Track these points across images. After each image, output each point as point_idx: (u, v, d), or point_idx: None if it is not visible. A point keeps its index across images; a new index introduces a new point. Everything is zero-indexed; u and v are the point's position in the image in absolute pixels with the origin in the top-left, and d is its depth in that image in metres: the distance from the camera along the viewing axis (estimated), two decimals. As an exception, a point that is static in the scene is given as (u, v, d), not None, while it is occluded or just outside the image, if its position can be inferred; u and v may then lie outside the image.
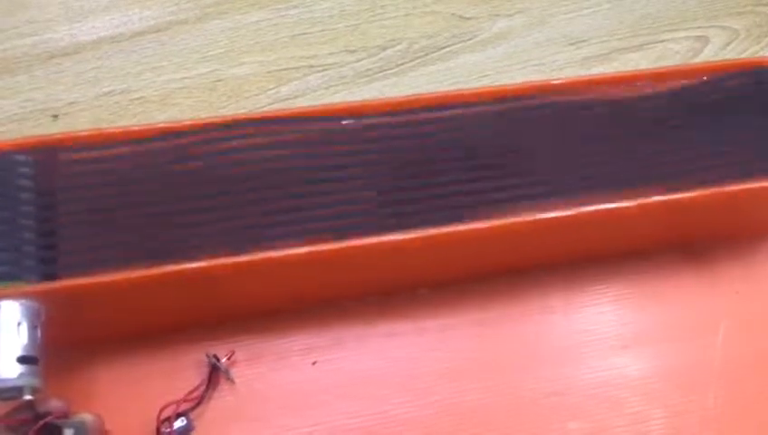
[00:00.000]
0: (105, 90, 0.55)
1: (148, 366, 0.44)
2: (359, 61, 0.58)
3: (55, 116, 0.53)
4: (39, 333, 0.36)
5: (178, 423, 0.42)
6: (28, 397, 0.35)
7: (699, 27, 0.62)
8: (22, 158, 0.39)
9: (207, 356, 0.44)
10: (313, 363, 0.45)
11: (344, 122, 0.44)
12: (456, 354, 0.47)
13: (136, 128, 0.41)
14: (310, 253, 0.40)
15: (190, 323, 0.45)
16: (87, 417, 0.37)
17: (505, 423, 0.45)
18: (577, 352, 0.48)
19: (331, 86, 0.57)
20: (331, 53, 0.58)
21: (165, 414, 0.42)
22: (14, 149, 0.39)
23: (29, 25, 0.56)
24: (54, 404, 0.37)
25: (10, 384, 0.35)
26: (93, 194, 0.39)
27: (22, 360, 0.35)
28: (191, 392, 0.43)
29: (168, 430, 0.41)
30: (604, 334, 0.48)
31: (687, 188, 0.44)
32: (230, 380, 0.44)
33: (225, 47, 0.57)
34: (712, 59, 0.60)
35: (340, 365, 0.46)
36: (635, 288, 0.50)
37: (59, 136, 0.40)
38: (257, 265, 0.39)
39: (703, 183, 0.44)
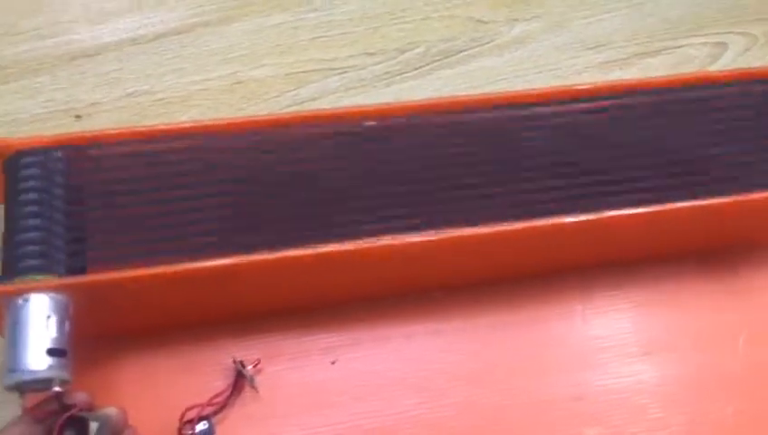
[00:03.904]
0: (127, 91, 0.55)
1: (172, 363, 0.44)
2: (377, 63, 0.58)
3: (78, 116, 0.54)
4: (68, 326, 0.36)
5: (200, 426, 0.42)
6: (56, 389, 0.36)
7: (718, 33, 0.62)
8: (53, 154, 0.39)
9: (234, 362, 0.44)
10: (333, 363, 0.46)
11: (366, 124, 0.44)
12: (474, 357, 0.47)
13: (163, 127, 0.41)
14: (330, 253, 0.40)
15: (214, 321, 0.45)
16: (112, 410, 0.38)
17: (522, 427, 0.45)
18: (596, 357, 0.48)
19: (350, 88, 0.57)
20: (350, 56, 0.58)
21: (188, 416, 0.42)
22: (45, 145, 0.39)
23: (51, 27, 0.57)
24: (80, 397, 0.37)
25: (39, 376, 0.35)
26: (122, 189, 0.40)
27: (51, 352, 0.35)
28: (214, 397, 0.43)
29: (190, 432, 0.42)
30: (624, 341, 0.48)
31: (709, 196, 0.44)
32: (254, 388, 0.44)
33: (246, 49, 0.58)
34: (730, 65, 0.60)
35: (359, 365, 0.46)
36: (656, 295, 0.50)
37: (89, 133, 0.41)
38: (280, 264, 0.40)
39: (724, 191, 0.44)
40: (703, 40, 0.62)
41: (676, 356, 0.48)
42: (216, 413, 0.43)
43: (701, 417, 0.46)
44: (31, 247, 0.37)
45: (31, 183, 0.39)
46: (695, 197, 0.44)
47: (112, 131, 0.41)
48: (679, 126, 0.47)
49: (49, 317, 0.36)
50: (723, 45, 0.62)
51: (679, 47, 0.61)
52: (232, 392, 0.43)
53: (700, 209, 0.44)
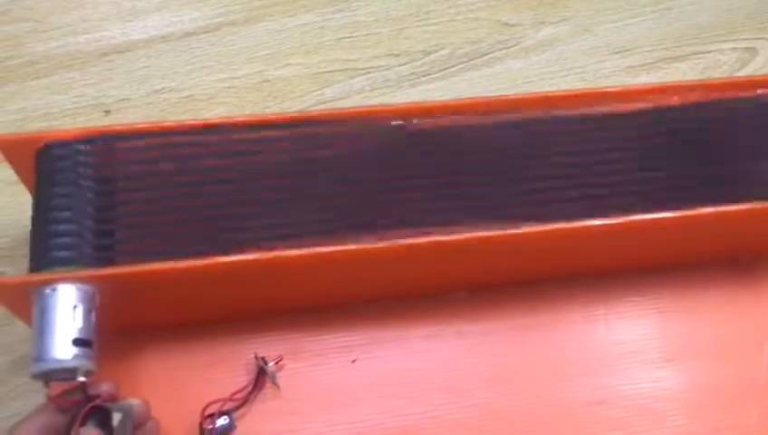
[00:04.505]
0: (155, 87, 0.56)
1: (195, 358, 0.44)
2: (402, 65, 0.58)
3: (107, 111, 0.55)
4: (94, 317, 0.37)
5: (221, 421, 0.42)
6: (81, 379, 0.36)
7: (747, 38, 0.62)
8: (83, 147, 0.40)
9: (256, 358, 0.44)
10: (353, 361, 0.46)
11: (392, 124, 0.44)
12: (495, 359, 0.47)
13: (191, 122, 0.42)
14: (354, 251, 0.40)
15: (237, 317, 0.45)
16: (135, 402, 0.38)
17: (542, 431, 0.45)
18: (618, 362, 0.47)
19: (375, 89, 0.57)
20: (375, 57, 0.59)
21: (209, 411, 0.42)
22: (75, 138, 0.40)
23: (83, 23, 0.58)
24: (104, 388, 0.37)
25: (64, 365, 0.36)
26: (150, 183, 0.40)
27: (76, 342, 0.36)
28: (236, 393, 0.43)
29: (211, 426, 0.42)
30: (647, 346, 0.48)
31: (734, 201, 0.44)
32: (275, 385, 0.44)
33: (272, 49, 0.58)
34: (760, 70, 0.60)
35: (380, 364, 0.46)
36: (680, 301, 0.49)
37: (118, 127, 0.41)
38: (306, 261, 0.40)
39: (750, 196, 0.44)
40: (732, 45, 0.61)
41: (699, 363, 0.48)
42: (236, 408, 0.43)
43: (723, 425, 0.46)
44: (60, 239, 0.37)
45: (60, 176, 0.39)
46: (720, 203, 0.43)
47: (141, 126, 0.42)
48: (703, 130, 0.46)
49: (75, 307, 0.36)
50: (752, 51, 0.61)
51: (708, 52, 0.61)
52: (253, 388, 0.44)
53: (725, 215, 0.44)
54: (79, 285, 0.36)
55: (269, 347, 0.45)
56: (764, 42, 0.62)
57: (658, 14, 0.62)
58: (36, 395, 0.39)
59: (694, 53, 0.61)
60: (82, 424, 0.36)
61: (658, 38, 0.61)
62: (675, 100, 0.47)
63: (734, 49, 0.61)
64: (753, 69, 0.60)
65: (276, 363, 0.44)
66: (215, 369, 0.44)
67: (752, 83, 0.48)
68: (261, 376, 0.44)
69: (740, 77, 0.58)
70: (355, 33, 0.59)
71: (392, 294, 0.47)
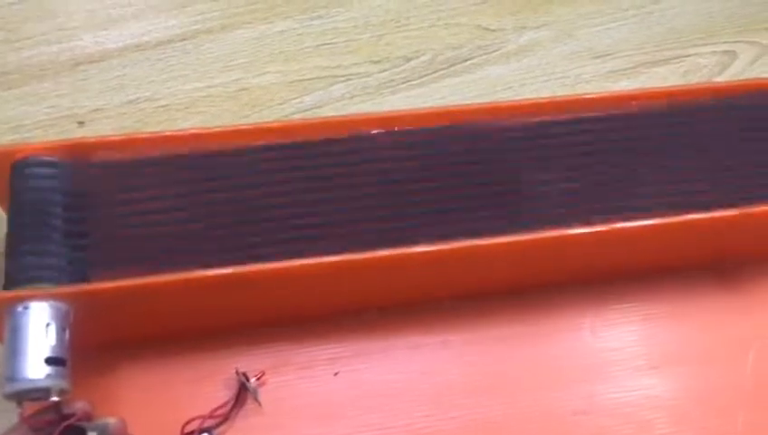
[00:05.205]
0: (130, 97, 0.55)
1: (175, 374, 0.43)
2: (382, 71, 0.58)
3: (81, 122, 0.54)
4: (67, 334, 0.36)
5: None
6: (55, 398, 0.35)
7: (727, 42, 0.62)
8: (55, 161, 0.39)
9: (237, 374, 0.43)
10: (335, 374, 0.45)
11: (373, 132, 0.44)
12: (482, 369, 0.46)
13: (167, 133, 0.41)
14: (336, 262, 0.40)
15: (216, 330, 0.44)
16: (111, 420, 0.37)
17: (528, 440, 0.45)
18: (605, 370, 0.47)
19: (355, 96, 0.57)
20: (355, 64, 0.58)
21: (189, 428, 0.41)
22: (46, 152, 0.39)
23: (56, 33, 0.57)
24: (79, 406, 0.36)
25: (37, 385, 0.35)
26: (125, 197, 0.39)
27: (49, 361, 0.35)
28: (216, 409, 0.42)
29: None
30: (633, 354, 0.48)
31: (720, 208, 0.44)
32: (257, 401, 0.43)
33: (250, 56, 0.57)
34: (739, 74, 0.60)
35: (364, 376, 0.45)
36: (665, 308, 0.49)
37: (91, 140, 0.40)
38: (282, 274, 0.39)
39: (735, 203, 0.44)
40: (712, 49, 0.61)
41: (686, 370, 0.47)
42: (217, 426, 0.42)
43: (710, 431, 0.46)
44: (32, 257, 0.36)
45: (33, 191, 0.39)
46: (705, 209, 0.43)
47: (116, 138, 0.41)
48: (684, 136, 0.46)
49: (48, 325, 0.35)
50: (732, 54, 0.61)
51: (688, 56, 0.61)
52: (234, 405, 0.43)
53: (710, 222, 0.44)
54: (52, 303, 0.35)
55: (251, 361, 0.44)
56: (744, 45, 0.62)
57: (640, 18, 0.63)
58: (10, 415, 0.37)
59: (674, 57, 0.61)
60: (57, 444, 0.35)
61: (639, 42, 0.61)
62: (655, 104, 0.47)
63: (714, 52, 0.61)
64: (732, 72, 0.60)
65: (258, 379, 0.44)
66: (195, 385, 0.43)
67: (730, 88, 0.48)
68: (242, 392, 0.43)
69: (720, 82, 0.58)
70: (334, 40, 0.59)
71: (377, 304, 0.46)
